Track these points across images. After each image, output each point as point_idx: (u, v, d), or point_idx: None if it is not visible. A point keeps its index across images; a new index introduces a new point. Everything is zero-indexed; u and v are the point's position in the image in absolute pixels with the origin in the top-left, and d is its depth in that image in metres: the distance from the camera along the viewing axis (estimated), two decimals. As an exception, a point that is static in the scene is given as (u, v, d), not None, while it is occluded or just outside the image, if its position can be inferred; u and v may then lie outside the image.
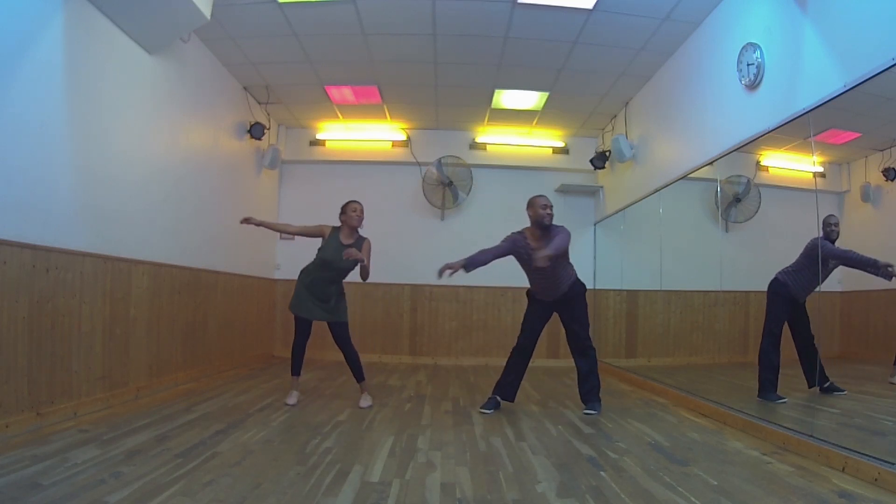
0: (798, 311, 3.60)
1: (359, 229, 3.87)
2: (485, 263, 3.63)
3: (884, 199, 3.38)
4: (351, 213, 3.79)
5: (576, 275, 3.85)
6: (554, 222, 3.71)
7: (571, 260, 3.84)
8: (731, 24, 3.81)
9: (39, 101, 2.86)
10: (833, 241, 3.40)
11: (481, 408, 3.77)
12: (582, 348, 3.82)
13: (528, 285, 3.91)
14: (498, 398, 3.86)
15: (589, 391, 3.84)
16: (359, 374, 3.93)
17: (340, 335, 3.88)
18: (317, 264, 3.81)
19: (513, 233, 3.77)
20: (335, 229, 3.81)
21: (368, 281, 3.84)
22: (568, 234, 3.61)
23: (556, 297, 3.78)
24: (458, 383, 5.08)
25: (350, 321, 6.61)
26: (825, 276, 3.47)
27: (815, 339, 3.49)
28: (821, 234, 3.34)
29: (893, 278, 3.18)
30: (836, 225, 3.40)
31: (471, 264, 3.59)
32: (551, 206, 3.68)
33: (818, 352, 3.46)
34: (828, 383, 3.47)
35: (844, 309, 3.63)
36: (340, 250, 3.67)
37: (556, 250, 3.42)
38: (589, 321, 3.91)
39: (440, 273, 3.47)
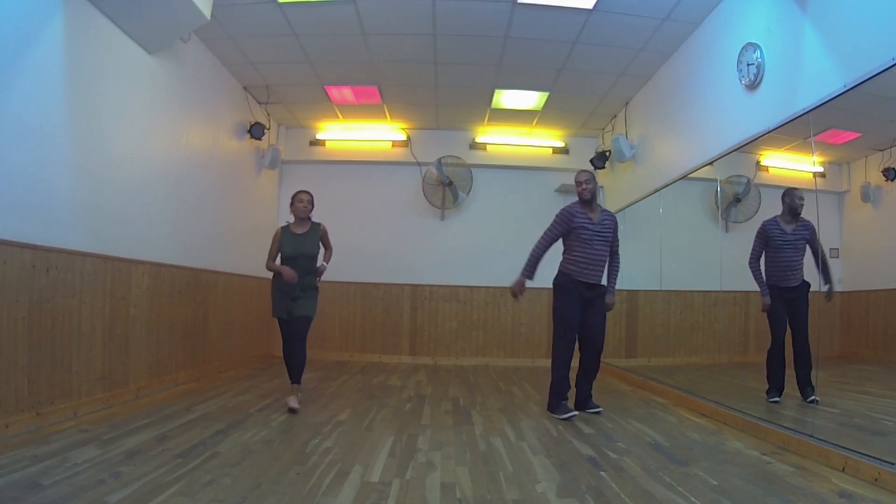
0: (793, 308, 3.58)
1: (310, 218, 3.86)
2: (541, 257, 3.77)
3: (884, 199, 3.37)
4: (297, 203, 3.79)
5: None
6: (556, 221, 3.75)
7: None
8: (731, 24, 3.81)
9: (39, 101, 2.86)
10: (798, 213, 3.48)
11: (563, 416, 3.55)
12: (598, 350, 3.83)
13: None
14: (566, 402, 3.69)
15: (590, 392, 3.83)
16: (296, 376, 3.75)
17: (299, 330, 3.71)
18: (289, 265, 3.76)
19: (565, 209, 3.82)
20: (285, 227, 3.83)
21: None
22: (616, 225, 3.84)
23: (596, 280, 3.73)
24: (458, 383, 5.08)
25: (350, 321, 6.75)
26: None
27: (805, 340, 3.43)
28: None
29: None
30: (801, 198, 3.46)
31: (530, 270, 3.76)
32: (587, 181, 3.74)
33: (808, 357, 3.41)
34: (812, 397, 3.37)
35: (844, 309, 3.63)
36: (295, 241, 3.75)
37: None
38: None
39: (516, 297, 3.75)
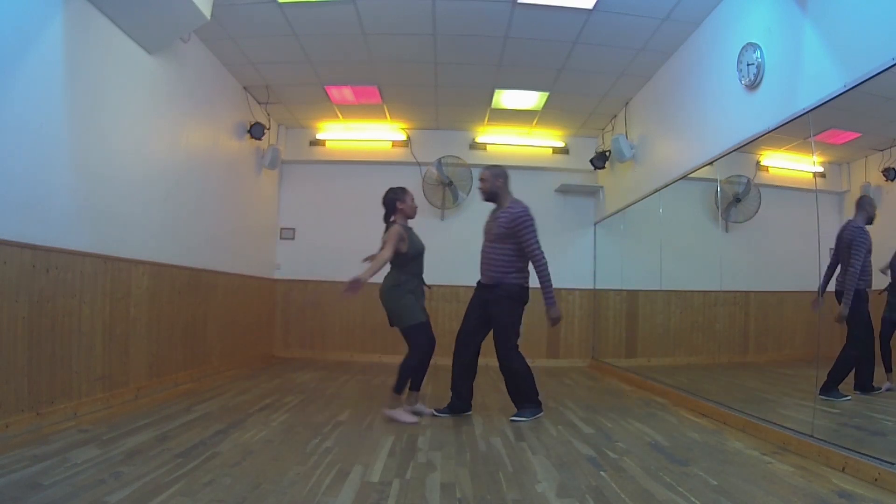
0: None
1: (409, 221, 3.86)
2: None
3: (884, 199, 3.37)
4: (411, 203, 3.81)
5: (516, 274, 3.55)
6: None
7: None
8: (731, 24, 3.81)
9: (39, 101, 2.86)
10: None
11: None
12: (499, 359, 3.60)
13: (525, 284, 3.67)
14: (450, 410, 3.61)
15: (512, 398, 3.66)
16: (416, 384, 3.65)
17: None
18: (415, 266, 3.73)
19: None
20: (404, 226, 3.75)
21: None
22: (517, 217, 3.49)
23: (485, 280, 3.67)
24: (458, 383, 5.07)
25: (350, 321, 6.75)
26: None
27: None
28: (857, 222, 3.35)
29: None
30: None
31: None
32: (482, 179, 3.67)
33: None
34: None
35: (845, 309, 3.62)
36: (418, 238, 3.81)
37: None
38: (508, 332, 3.57)
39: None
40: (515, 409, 3.62)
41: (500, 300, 3.56)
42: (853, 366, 3.52)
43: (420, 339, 3.53)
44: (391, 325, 3.64)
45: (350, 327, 6.75)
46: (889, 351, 3.40)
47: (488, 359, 7.17)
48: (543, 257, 3.48)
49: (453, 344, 3.80)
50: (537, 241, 3.49)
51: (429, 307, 6.84)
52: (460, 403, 3.66)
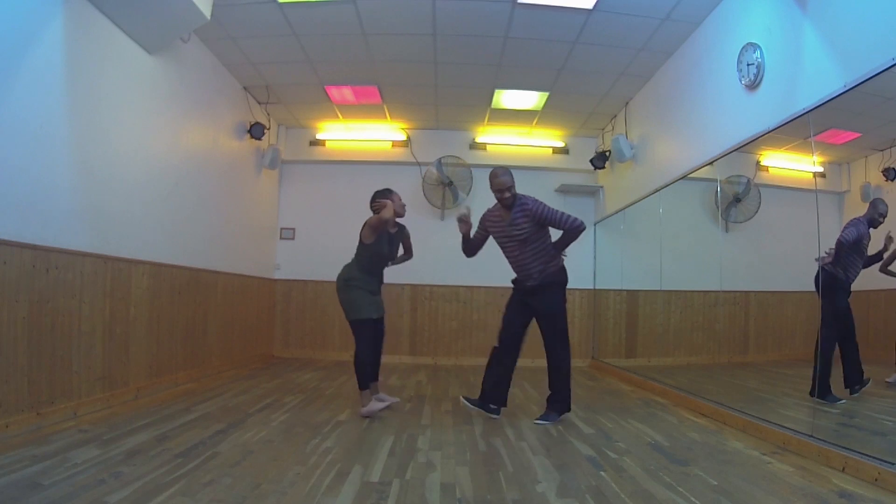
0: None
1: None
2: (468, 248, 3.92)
3: (884, 199, 3.37)
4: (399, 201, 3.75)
5: (555, 261, 3.55)
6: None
7: (567, 259, 3.72)
8: (731, 24, 3.81)
9: (39, 101, 2.86)
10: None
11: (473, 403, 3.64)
12: (553, 362, 3.55)
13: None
14: (490, 405, 3.58)
15: (553, 397, 3.59)
16: (377, 373, 3.81)
17: (383, 327, 3.86)
18: (373, 265, 3.75)
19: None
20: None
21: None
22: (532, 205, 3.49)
23: (530, 281, 3.56)
24: (457, 383, 5.08)
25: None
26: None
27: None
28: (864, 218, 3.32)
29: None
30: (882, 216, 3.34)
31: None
32: (509, 188, 3.49)
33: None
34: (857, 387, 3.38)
35: (844, 309, 3.62)
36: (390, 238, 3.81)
37: None
38: (563, 325, 3.56)
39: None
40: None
41: (548, 293, 3.54)
42: (829, 359, 3.46)
43: (361, 334, 3.62)
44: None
45: (349, 327, 6.73)
46: None
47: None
48: (582, 223, 3.45)
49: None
50: (566, 213, 3.48)
51: (429, 307, 6.88)
52: (496, 407, 3.60)
